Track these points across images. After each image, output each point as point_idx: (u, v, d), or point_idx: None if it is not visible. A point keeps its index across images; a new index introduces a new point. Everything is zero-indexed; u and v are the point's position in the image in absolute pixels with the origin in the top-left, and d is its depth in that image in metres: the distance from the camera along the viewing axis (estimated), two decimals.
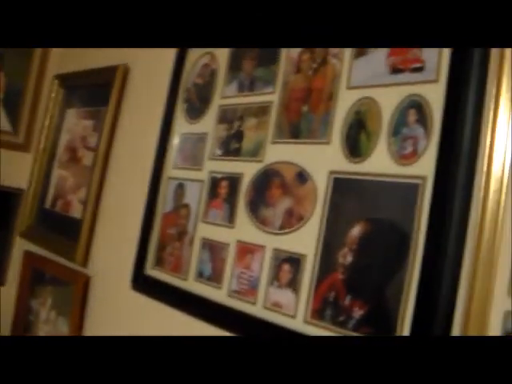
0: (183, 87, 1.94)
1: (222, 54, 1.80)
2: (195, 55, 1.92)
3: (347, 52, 1.41)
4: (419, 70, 1.25)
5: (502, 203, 1.08)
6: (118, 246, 2.13)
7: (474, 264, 1.09)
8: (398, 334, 1.16)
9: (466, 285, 1.10)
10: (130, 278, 1.96)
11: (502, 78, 1.11)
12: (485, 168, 1.11)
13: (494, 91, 1.12)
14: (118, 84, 2.30)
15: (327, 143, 1.40)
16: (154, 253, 1.89)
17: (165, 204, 1.90)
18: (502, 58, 1.12)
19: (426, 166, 1.19)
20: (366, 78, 1.36)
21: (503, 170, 1.09)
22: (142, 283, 1.92)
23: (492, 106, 1.12)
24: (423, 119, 1.22)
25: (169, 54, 2.01)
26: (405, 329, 1.15)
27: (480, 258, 1.08)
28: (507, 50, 1.10)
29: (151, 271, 1.89)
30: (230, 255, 1.60)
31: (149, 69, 2.22)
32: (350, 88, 1.39)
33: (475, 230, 1.10)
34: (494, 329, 1.07)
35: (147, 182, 1.97)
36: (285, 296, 1.43)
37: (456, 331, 1.10)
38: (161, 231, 1.89)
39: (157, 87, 2.09)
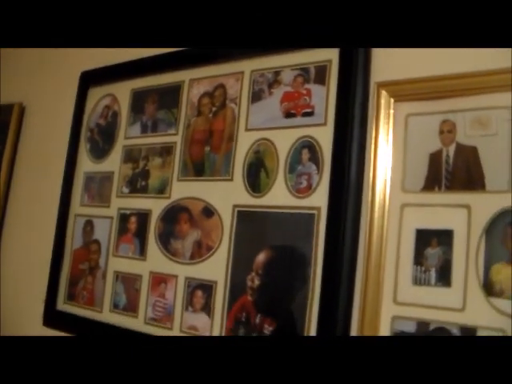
0: (85, 127, 2.02)
1: (123, 96, 1.91)
2: (96, 96, 2.01)
3: (244, 97, 1.57)
4: (310, 114, 1.43)
5: (385, 227, 1.28)
6: (28, 282, 2.14)
7: (364, 279, 1.28)
8: None
9: (359, 297, 1.29)
10: (41, 314, 1.99)
11: (379, 117, 1.32)
12: (369, 197, 1.30)
13: (373, 129, 1.32)
14: (14, 123, 2.32)
15: (230, 180, 1.55)
16: (66, 288, 1.94)
17: (74, 240, 1.95)
18: (378, 98, 1.32)
19: (319, 198, 1.36)
20: (262, 121, 1.52)
21: (384, 199, 1.29)
22: (54, 318, 1.96)
23: (373, 142, 1.32)
24: (315, 157, 1.39)
25: (68, 92, 2.08)
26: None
27: (369, 274, 1.27)
28: (382, 94, 1.31)
29: (63, 306, 1.94)
30: (144, 285, 1.70)
31: (47, 107, 2.26)
32: (248, 130, 1.54)
33: (364, 251, 1.29)
34: (384, 330, 1.25)
35: (54, 221, 2.01)
36: (200, 319, 1.55)
37: (353, 334, 1.28)
38: (72, 267, 1.94)
39: (56, 126, 2.15)
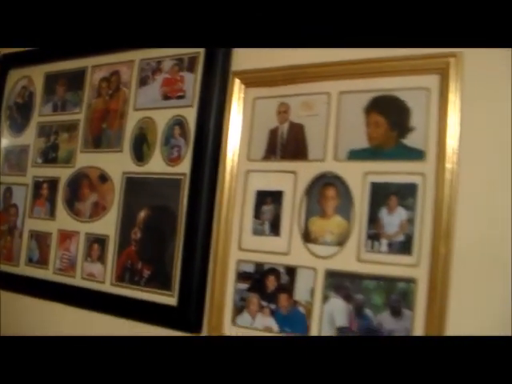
0: (6, 106, 2.24)
1: (38, 78, 2.13)
2: (15, 77, 2.22)
3: (134, 82, 1.82)
4: (182, 97, 1.69)
5: (234, 189, 1.56)
6: None
7: (217, 231, 1.55)
8: (172, 281, 1.60)
9: (214, 245, 1.56)
10: None
11: (232, 100, 1.59)
12: (228, 167, 1.58)
13: (228, 110, 1.59)
14: None
15: (120, 151, 1.80)
16: None
17: None
18: (233, 84, 1.59)
19: (185, 166, 1.63)
20: (146, 102, 1.77)
21: (233, 166, 1.56)
22: None
23: (227, 120, 1.59)
24: (184, 133, 1.66)
25: None
26: (176, 280, 1.59)
27: (221, 226, 1.54)
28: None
29: None
30: (53, 241, 1.95)
31: None
32: (136, 110, 1.80)
33: (217, 208, 1.57)
34: (231, 271, 1.53)
35: None
36: (96, 268, 1.81)
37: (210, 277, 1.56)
38: None
39: None
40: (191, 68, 1.68)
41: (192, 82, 1.67)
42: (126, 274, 1.73)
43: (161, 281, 1.64)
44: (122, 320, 1.71)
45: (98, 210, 1.83)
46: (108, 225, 1.80)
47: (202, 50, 1.66)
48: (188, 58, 1.70)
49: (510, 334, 1.19)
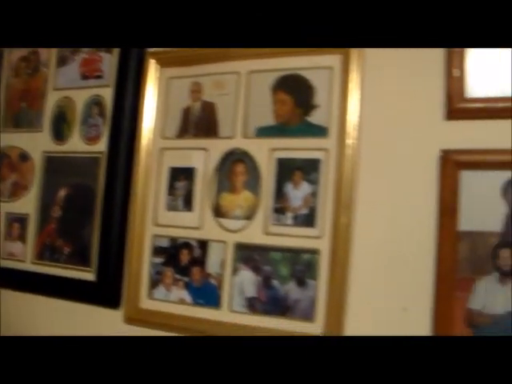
0: None
1: None
2: None
3: (53, 62, 1.78)
4: (100, 77, 1.66)
5: (149, 166, 1.55)
6: None
7: (134, 208, 1.55)
8: (91, 258, 1.59)
9: (131, 221, 1.55)
10: None
11: (147, 80, 1.58)
12: (143, 145, 1.56)
13: (144, 89, 1.57)
14: None
15: (41, 131, 1.77)
16: None
17: None
18: (148, 65, 1.57)
19: (103, 145, 1.61)
20: (65, 82, 1.74)
21: (149, 144, 1.55)
22: None
23: (143, 99, 1.57)
24: (102, 112, 1.64)
25: None
26: (94, 256, 1.58)
27: (137, 202, 1.54)
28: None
29: None
30: None
31: None
32: (55, 89, 1.76)
33: (134, 185, 1.55)
34: (147, 245, 1.53)
35: None
36: (17, 247, 1.77)
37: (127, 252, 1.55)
38: None
39: None
40: (109, 48, 1.66)
41: (109, 62, 1.64)
42: (46, 252, 1.70)
43: (80, 257, 1.62)
44: (44, 297, 1.69)
45: (19, 190, 1.79)
46: (29, 204, 1.76)
47: None
48: None
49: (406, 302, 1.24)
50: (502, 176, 1.22)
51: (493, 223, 1.22)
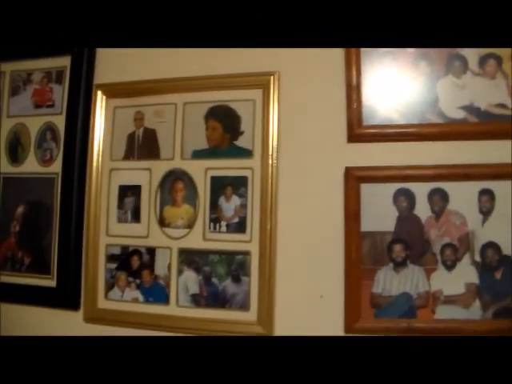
0: None
1: None
2: None
3: (6, 91, 1.79)
4: (51, 106, 1.69)
5: (100, 184, 1.60)
6: None
7: (87, 219, 1.60)
8: (51, 266, 1.62)
9: (86, 233, 1.60)
10: None
11: (96, 109, 1.63)
12: (94, 166, 1.62)
13: (93, 117, 1.62)
14: None
15: None
16: None
17: None
18: (96, 95, 1.62)
19: (57, 166, 1.64)
20: (19, 110, 1.74)
21: (98, 165, 1.61)
22: None
23: (93, 126, 1.63)
24: (55, 137, 1.66)
25: None
26: (54, 265, 1.62)
27: (90, 216, 1.58)
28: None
29: None
30: None
31: None
32: (9, 116, 1.76)
33: (87, 202, 1.61)
34: (101, 253, 1.58)
35: None
36: None
37: (83, 260, 1.61)
38: None
39: None
40: (59, 80, 1.67)
41: (60, 93, 1.67)
42: (7, 263, 1.71)
43: (40, 267, 1.64)
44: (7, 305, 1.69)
45: None
46: None
47: (67, 64, 1.66)
48: (56, 71, 1.69)
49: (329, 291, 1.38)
50: (392, 187, 1.37)
51: (387, 224, 1.37)
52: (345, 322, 1.38)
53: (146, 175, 1.55)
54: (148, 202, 1.55)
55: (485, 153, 1.35)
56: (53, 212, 1.62)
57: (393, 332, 1.36)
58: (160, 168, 1.54)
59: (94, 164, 1.60)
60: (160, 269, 1.52)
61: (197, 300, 1.49)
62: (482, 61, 1.38)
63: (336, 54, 1.42)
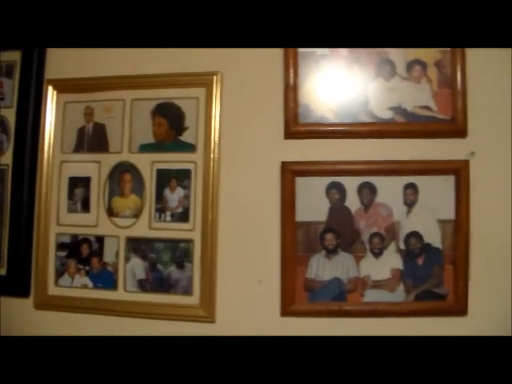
0: None
1: None
2: None
3: None
4: (2, 99, 1.64)
5: (50, 176, 1.57)
6: None
7: (38, 210, 1.57)
8: (1, 255, 1.59)
9: (37, 222, 1.57)
10: None
11: (47, 103, 1.60)
12: (45, 159, 1.58)
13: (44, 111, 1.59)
14: None
15: None
16: None
17: None
18: (47, 90, 1.59)
19: (8, 158, 1.59)
20: None
21: (49, 158, 1.58)
22: None
23: (44, 120, 1.59)
24: (6, 130, 1.60)
25: None
26: (5, 254, 1.58)
27: (41, 206, 1.55)
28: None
29: None
30: None
31: None
32: None
33: (39, 193, 1.58)
34: (52, 242, 1.55)
35: None
36: None
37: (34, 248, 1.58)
38: None
39: None
40: (9, 74, 1.63)
41: (11, 87, 1.63)
42: None
43: None
44: None
45: None
46: None
47: (17, 59, 1.61)
48: (6, 65, 1.63)
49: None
50: (325, 180, 1.41)
51: (320, 215, 1.41)
52: (281, 305, 1.41)
53: (95, 167, 1.53)
54: (97, 193, 1.53)
55: (410, 150, 1.40)
56: (3, 202, 1.58)
57: (325, 314, 1.40)
58: (109, 161, 1.52)
59: (45, 156, 1.56)
60: (108, 256, 1.51)
61: (143, 285, 1.49)
62: (409, 66, 1.42)
63: (275, 56, 1.43)
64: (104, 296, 1.51)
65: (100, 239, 1.52)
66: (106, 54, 1.52)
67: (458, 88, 1.40)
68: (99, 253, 1.52)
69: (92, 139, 1.54)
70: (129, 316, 1.48)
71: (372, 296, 1.40)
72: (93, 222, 1.52)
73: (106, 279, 1.51)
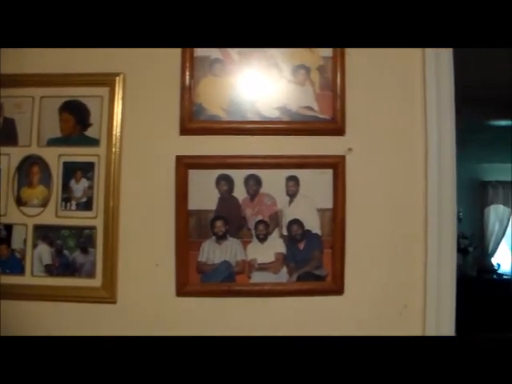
0: None
1: None
2: None
3: None
4: None
5: None
6: None
7: None
8: None
9: None
10: None
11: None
12: None
13: None
14: None
15: None
16: None
17: None
18: None
19: None
20: None
21: None
22: None
23: None
24: None
25: None
26: None
27: None
28: None
29: None
30: None
31: None
32: None
33: None
34: None
35: None
36: None
37: None
38: None
39: None
40: None
41: None
42: None
43: None
44: None
45: None
46: None
47: None
48: None
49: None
50: (215, 173, 1.57)
51: (210, 204, 1.57)
52: (176, 286, 1.56)
53: (5, 160, 1.63)
54: (6, 184, 1.62)
55: (293, 146, 1.57)
56: None
57: (216, 294, 1.56)
58: (18, 154, 1.62)
59: None
60: (16, 243, 1.60)
61: (50, 270, 1.59)
62: (295, 70, 1.59)
63: (173, 60, 1.58)
64: (12, 281, 1.59)
65: (8, 227, 1.61)
66: (15, 53, 1.61)
67: (337, 91, 1.57)
68: (7, 240, 1.61)
69: (2, 133, 1.64)
70: (36, 299, 1.58)
71: (258, 277, 1.56)
72: (1, 211, 1.62)
73: (13, 265, 1.60)
